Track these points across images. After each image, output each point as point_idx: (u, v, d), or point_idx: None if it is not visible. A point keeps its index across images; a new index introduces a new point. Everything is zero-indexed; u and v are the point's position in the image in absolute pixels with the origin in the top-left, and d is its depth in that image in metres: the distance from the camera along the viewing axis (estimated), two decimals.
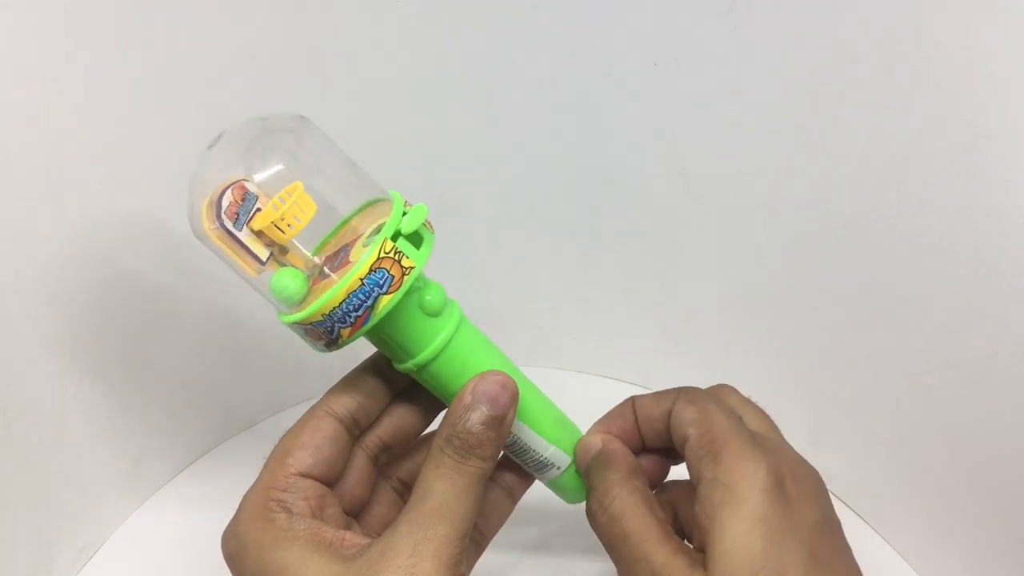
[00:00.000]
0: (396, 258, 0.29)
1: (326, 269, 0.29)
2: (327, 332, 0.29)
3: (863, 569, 0.31)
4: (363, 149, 0.47)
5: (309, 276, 0.29)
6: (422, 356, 0.31)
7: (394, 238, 0.29)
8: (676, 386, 0.34)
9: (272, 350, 0.51)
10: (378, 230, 0.29)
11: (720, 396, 0.34)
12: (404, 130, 0.47)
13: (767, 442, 0.32)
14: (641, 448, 0.35)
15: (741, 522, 0.28)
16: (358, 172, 0.32)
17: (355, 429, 0.32)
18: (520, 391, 0.31)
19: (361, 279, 0.28)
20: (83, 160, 0.39)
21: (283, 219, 0.28)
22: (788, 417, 0.50)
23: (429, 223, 0.31)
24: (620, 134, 0.47)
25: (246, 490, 0.31)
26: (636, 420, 0.34)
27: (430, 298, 0.31)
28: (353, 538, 0.29)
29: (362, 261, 0.28)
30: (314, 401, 0.32)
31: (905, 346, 0.43)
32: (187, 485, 0.49)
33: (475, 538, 0.34)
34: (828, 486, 0.33)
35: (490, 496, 0.35)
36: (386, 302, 0.28)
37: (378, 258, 0.28)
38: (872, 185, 0.42)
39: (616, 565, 0.31)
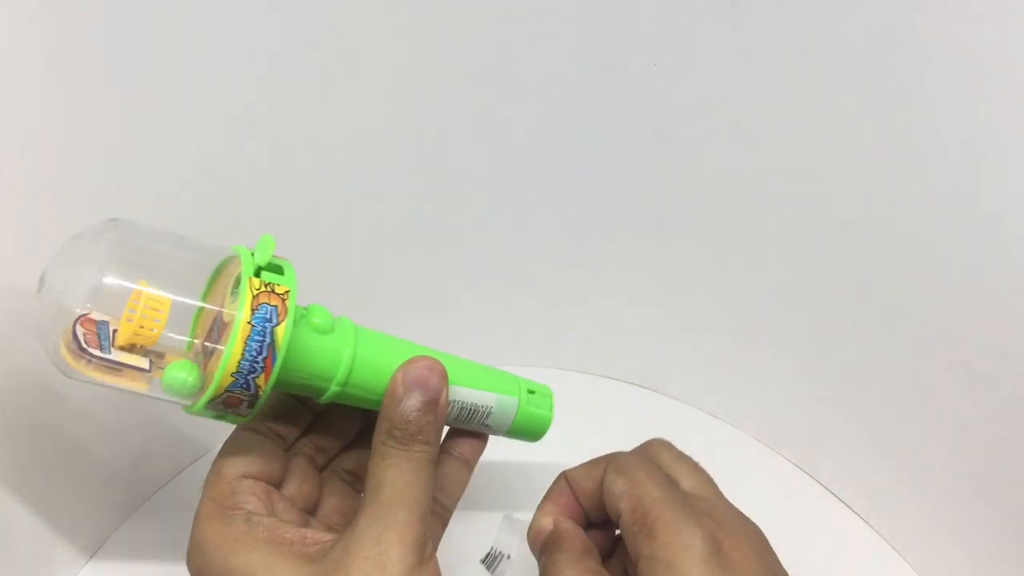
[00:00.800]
0: (269, 289, 0.28)
1: (207, 344, 0.29)
2: (244, 389, 0.28)
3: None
4: (363, 149, 0.47)
5: (197, 363, 0.29)
6: (339, 373, 0.31)
7: (257, 274, 0.29)
8: (606, 453, 0.34)
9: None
10: (236, 284, 0.29)
11: (650, 456, 0.34)
12: (404, 130, 0.47)
13: (701, 503, 0.31)
14: (586, 523, 0.35)
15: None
16: (193, 245, 0.31)
17: (280, 440, 0.33)
18: (446, 364, 0.31)
19: (249, 322, 0.28)
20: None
21: (142, 325, 0.28)
22: (789, 417, 0.51)
23: (282, 257, 0.31)
24: (620, 134, 0.47)
25: None
26: (574, 495, 0.34)
27: (318, 320, 0.31)
28: (314, 535, 0.29)
29: (240, 306, 0.28)
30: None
31: (905, 346, 0.43)
32: (187, 485, 0.49)
33: (438, 512, 0.34)
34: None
35: (447, 469, 0.35)
36: (283, 332, 0.28)
37: (253, 296, 0.28)
38: (872, 185, 0.42)
39: None
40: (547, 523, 0.34)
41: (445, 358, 0.33)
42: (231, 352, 0.27)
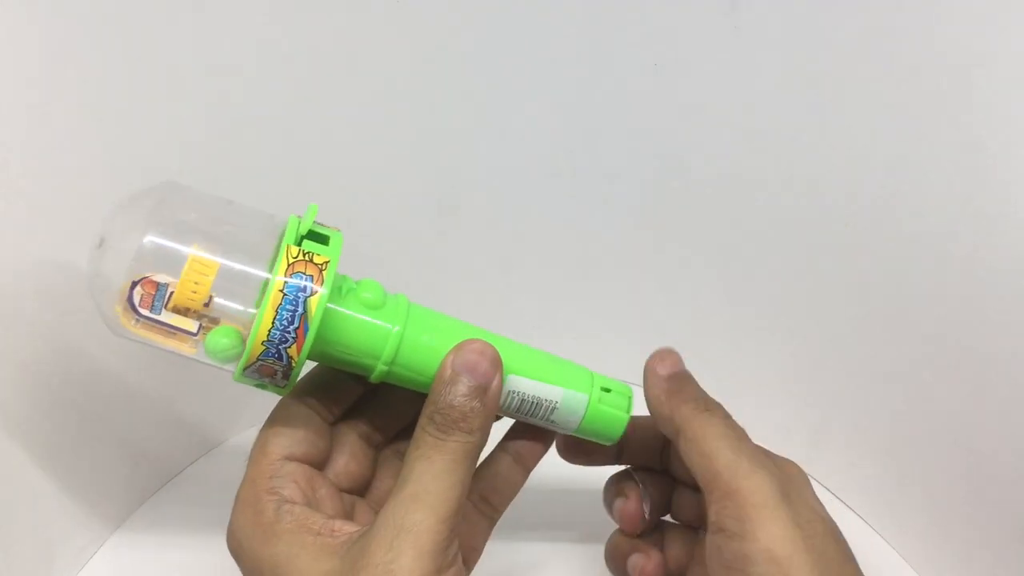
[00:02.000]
0: (307, 259, 0.28)
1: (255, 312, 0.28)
2: (275, 359, 0.28)
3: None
4: (363, 149, 0.47)
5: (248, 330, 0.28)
6: (386, 351, 0.29)
7: (298, 243, 0.28)
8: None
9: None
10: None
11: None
12: (404, 130, 0.47)
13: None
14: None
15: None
16: (247, 212, 0.31)
17: (327, 414, 0.32)
18: (504, 351, 0.30)
19: (281, 290, 0.27)
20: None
21: (185, 287, 0.27)
22: (789, 417, 0.51)
23: (334, 226, 0.30)
24: (620, 134, 0.47)
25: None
26: None
27: (368, 295, 0.30)
28: (344, 526, 0.28)
29: (274, 273, 0.27)
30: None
31: (905, 346, 0.43)
32: (187, 485, 0.49)
33: (486, 512, 0.33)
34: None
35: (499, 468, 0.34)
36: (317, 303, 0.27)
37: (288, 264, 0.27)
38: (872, 185, 0.42)
39: (733, 456, 0.29)
40: (683, 364, 0.33)
41: (510, 345, 0.32)
42: (261, 319, 0.27)
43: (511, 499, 0.34)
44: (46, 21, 0.35)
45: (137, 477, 0.47)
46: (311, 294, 0.27)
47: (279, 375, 0.28)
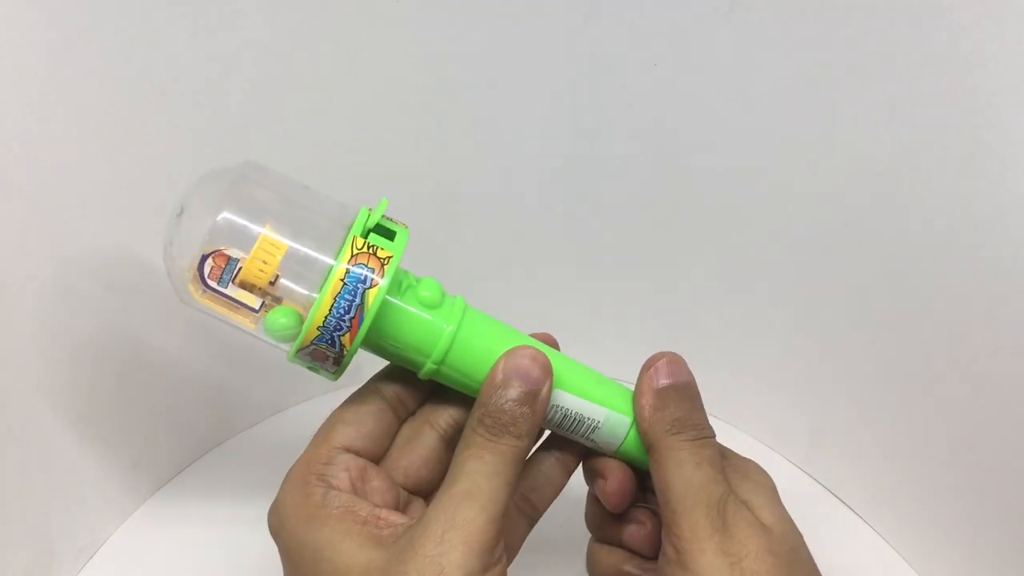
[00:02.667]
0: (371, 252, 0.29)
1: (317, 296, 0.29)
2: (329, 346, 0.28)
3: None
4: (363, 149, 0.47)
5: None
6: (437, 350, 0.30)
7: (364, 235, 0.29)
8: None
9: (272, 349, 0.51)
10: None
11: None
12: (404, 130, 0.47)
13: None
14: None
15: (773, 488, 0.31)
16: (322, 199, 0.32)
17: (401, 410, 0.32)
18: (555, 363, 0.30)
19: (341, 279, 0.28)
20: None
21: (253, 264, 0.28)
22: (788, 417, 0.51)
23: (401, 222, 0.31)
24: (620, 134, 0.47)
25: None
26: None
27: (426, 293, 0.30)
28: (391, 516, 0.28)
29: (337, 261, 0.28)
30: (314, 401, 0.32)
31: (905, 346, 0.43)
32: (187, 485, 0.49)
33: (526, 511, 0.33)
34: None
35: (542, 468, 0.34)
36: (374, 296, 0.28)
37: (352, 255, 0.28)
38: (872, 185, 0.42)
39: (677, 482, 0.30)
40: (683, 372, 0.33)
41: (560, 359, 0.32)
42: (319, 305, 0.28)
43: (552, 499, 0.34)
44: (46, 21, 0.35)
45: (137, 477, 0.47)
46: (371, 286, 0.28)
47: (330, 361, 0.29)
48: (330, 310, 0.28)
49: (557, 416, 0.32)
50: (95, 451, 0.44)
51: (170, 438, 0.49)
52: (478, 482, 0.27)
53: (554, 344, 0.34)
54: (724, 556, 0.27)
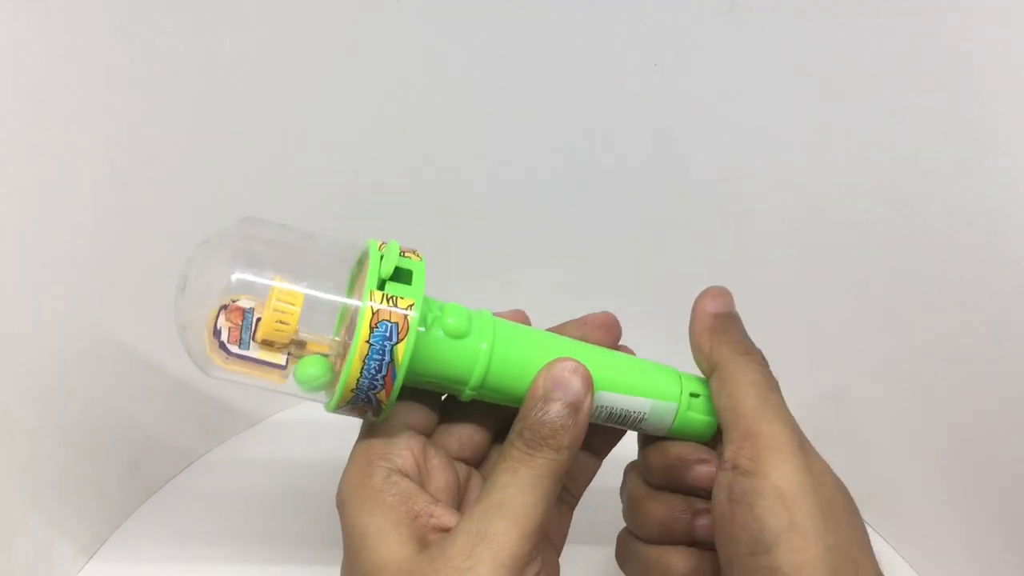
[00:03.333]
0: (391, 304, 0.28)
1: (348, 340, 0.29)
2: (366, 403, 0.28)
3: None
4: (362, 148, 0.47)
5: (336, 356, 0.29)
6: (474, 378, 0.29)
7: (380, 286, 0.28)
8: None
9: None
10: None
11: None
12: (404, 130, 0.47)
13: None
14: None
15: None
16: (325, 241, 0.31)
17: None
18: (593, 364, 0.30)
19: (367, 341, 0.27)
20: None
21: (278, 320, 0.27)
22: None
23: (414, 252, 0.30)
24: (620, 134, 0.47)
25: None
26: None
27: (452, 321, 0.29)
28: (442, 516, 0.28)
29: (358, 325, 0.27)
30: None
31: (905, 346, 0.43)
32: (187, 485, 0.49)
33: (564, 498, 0.33)
34: None
35: (577, 456, 0.32)
36: (403, 350, 0.27)
37: (373, 313, 0.27)
38: (872, 185, 0.42)
39: (755, 402, 0.29)
40: (734, 305, 0.33)
41: (596, 357, 0.32)
42: (349, 371, 0.27)
43: (587, 485, 0.34)
44: (45, 22, 0.35)
45: (137, 478, 0.47)
46: (398, 341, 0.27)
47: (370, 414, 0.29)
48: (360, 372, 0.27)
49: (602, 414, 0.32)
50: (95, 451, 0.44)
51: (171, 438, 0.49)
52: (511, 495, 0.27)
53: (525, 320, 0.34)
54: (808, 475, 0.27)
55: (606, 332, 0.34)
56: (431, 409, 0.31)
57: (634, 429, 0.33)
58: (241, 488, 0.48)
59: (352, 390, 0.27)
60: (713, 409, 0.32)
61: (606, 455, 0.35)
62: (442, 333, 0.29)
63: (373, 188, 0.49)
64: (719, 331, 0.32)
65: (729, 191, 0.47)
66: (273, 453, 0.52)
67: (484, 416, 0.32)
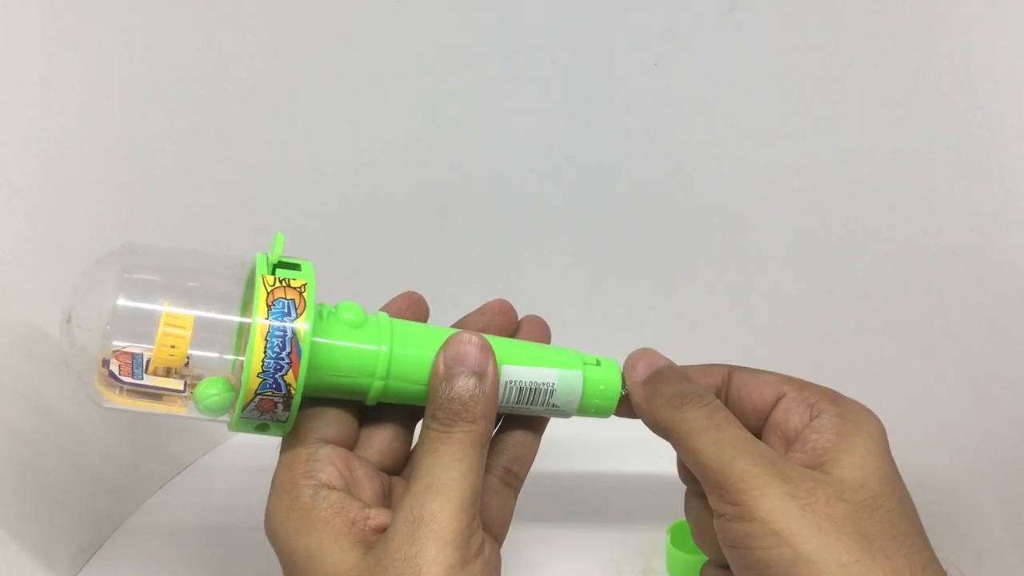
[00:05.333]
0: (284, 284, 0.28)
1: (242, 357, 0.28)
2: (274, 390, 0.27)
3: None
4: (362, 149, 0.47)
5: (235, 376, 0.28)
6: (379, 366, 0.29)
7: (271, 272, 0.28)
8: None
9: None
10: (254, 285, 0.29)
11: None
12: (403, 130, 0.47)
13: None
14: None
15: (873, 448, 0.28)
16: (211, 259, 0.30)
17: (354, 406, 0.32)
18: (493, 343, 0.30)
19: (266, 319, 0.27)
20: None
21: (163, 347, 0.27)
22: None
23: (300, 258, 0.30)
24: (620, 134, 0.47)
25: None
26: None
27: (349, 316, 0.30)
28: (378, 516, 0.28)
29: (256, 304, 0.27)
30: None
31: (905, 346, 0.43)
32: (187, 485, 0.49)
33: (510, 482, 0.33)
34: None
35: (515, 437, 0.33)
36: (303, 323, 0.27)
37: (268, 292, 0.27)
38: (872, 185, 0.42)
39: (709, 447, 0.28)
40: (660, 355, 0.32)
41: (497, 340, 0.32)
42: (252, 351, 0.26)
43: (530, 465, 0.34)
44: (43, 21, 0.35)
45: (137, 477, 0.47)
46: (297, 316, 0.27)
47: (280, 407, 0.28)
48: (264, 352, 0.26)
49: (513, 392, 0.32)
50: (95, 451, 0.44)
51: (170, 438, 0.49)
52: (437, 475, 0.27)
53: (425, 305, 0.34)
54: (792, 499, 0.26)
55: (504, 317, 0.34)
56: (348, 421, 0.31)
57: (550, 409, 0.33)
58: (242, 489, 0.48)
59: (259, 374, 0.27)
60: (616, 376, 0.33)
61: (543, 429, 0.34)
62: (342, 326, 0.29)
63: (373, 188, 0.49)
64: (652, 396, 0.31)
65: (729, 191, 0.47)
66: (275, 454, 0.52)
67: (400, 423, 0.32)
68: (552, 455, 0.36)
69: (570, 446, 0.45)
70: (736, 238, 0.48)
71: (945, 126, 0.38)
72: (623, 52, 0.44)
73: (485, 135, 0.48)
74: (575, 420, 0.36)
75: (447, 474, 0.27)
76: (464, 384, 0.28)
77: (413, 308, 0.33)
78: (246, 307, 0.29)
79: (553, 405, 0.33)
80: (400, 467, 0.32)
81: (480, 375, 0.29)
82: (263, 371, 0.27)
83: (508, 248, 0.53)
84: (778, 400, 0.31)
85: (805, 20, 0.40)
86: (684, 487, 0.33)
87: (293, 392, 0.27)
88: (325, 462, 0.29)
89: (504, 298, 0.34)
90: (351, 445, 0.31)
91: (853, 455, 0.28)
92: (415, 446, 0.29)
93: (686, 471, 0.31)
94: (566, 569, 0.43)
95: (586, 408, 0.34)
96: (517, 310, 0.35)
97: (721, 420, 0.29)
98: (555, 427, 0.36)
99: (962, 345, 0.40)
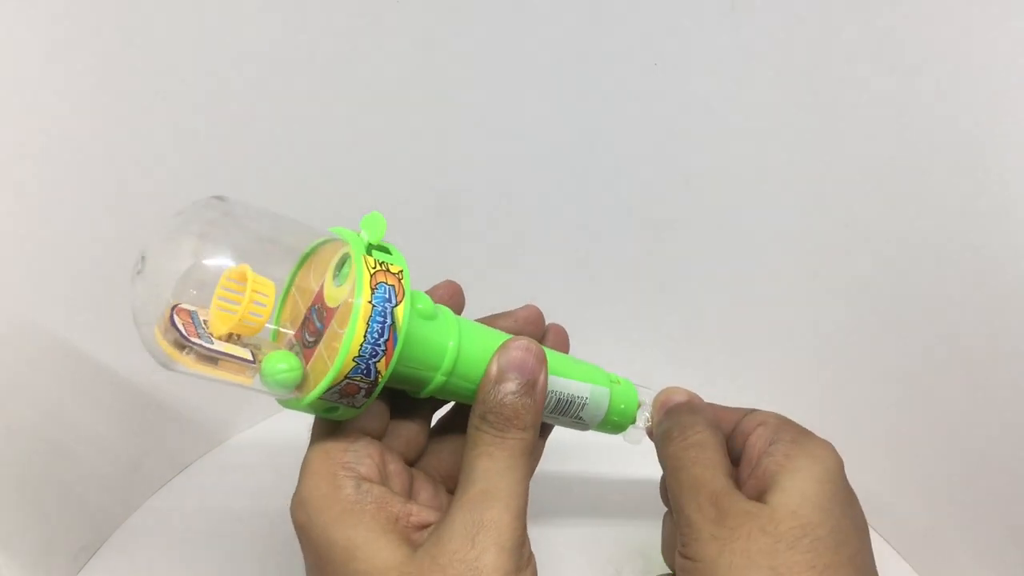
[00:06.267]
0: (384, 268, 0.27)
1: (307, 336, 0.27)
2: (364, 376, 0.26)
3: None
4: (363, 149, 0.47)
5: (296, 349, 0.27)
6: (446, 361, 0.29)
7: (368, 253, 0.27)
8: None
9: None
10: (340, 265, 0.27)
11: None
12: (403, 130, 0.47)
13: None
14: None
15: (815, 472, 0.29)
16: (294, 227, 0.29)
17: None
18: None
19: (370, 302, 0.26)
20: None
21: (252, 312, 0.25)
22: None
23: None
24: (620, 134, 0.47)
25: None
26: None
27: (422, 306, 0.29)
28: (419, 513, 0.28)
29: (359, 285, 0.26)
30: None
31: (905, 346, 0.43)
32: (187, 485, 0.49)
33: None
34: None
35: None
36: (402, 313, 0.26)
37: (371, 274, 0.26)
38: (872, 185, 0.42)
39: (673, 485, 0.31)
40: (681, 394, 0.34)
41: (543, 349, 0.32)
42: (353, 334, 0.25)
43: (534, 469, 0.34)
44: (44, 21, 0.35)
45: (137, 477, 0.47)
46: (397, 303, 0.26)
47: (362, 393, 0.27)
48: (364, 336, 0.25)
49: (551, 401, 0.32)
50: (95, 451, 0.44)
51: (171, 438, 0.49)
52: (494, 480, 0.27)
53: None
54: (715, 541, 0.28)
55: (534, 327, 0.35)
56: (385, 413, 0.31)
57: (573, 423, 0.34)
58: (242, 487, 0.48)
59: (355, 358, 0.26)
60: (633, 396, 0.35)
61: (548, 434, 0.36)
62: (417, 316, 0.28)
63: (373, 188, 0.49)
64: (657, 432, 0.33)
65: (729, 191, 0.47)
66: (275, 451, 0.52)
67: (424, 416, 0.32)
68: (552, 455, 0.37)
69: (570, 446, 0.45)
70: (736, 238, 0.48)
71: (945, 126, 0.38)
72: (623, 52, 0.44)
73: (485, 134, 0.48)
74: None
75: (503, 481, 0.27)
76: (516, 391, 0.29)
77: (455, 297, 0.33)
78: (295, 277, 0.28)
79: (579, 418, 0.33)
80: (417, 458, 0.32)
81: (532, 384, 0.29)
82: (359, 355, 0.26)
83: (508, 247, 0.53)
84: (756, 428, 0.32)
85: (805, 20, 0.40)
86: None
87: (380, 379, 0.27)
88: (363, 454, 0.29)
89: (535, 304, 0.35)
90: (381, 437, 0.31)
91: (794, 478, 0.29)
92: (466, 446, 0.29)
93: (665, 495, 0.33)
94: (566, 569, 0.43)
95: (604, 423, 0.34)
96: (516, 309, 0.35)
97: (688, 460, 0.31)
98: (555, 428, 0.37)
99: (962, 345, 0.40)
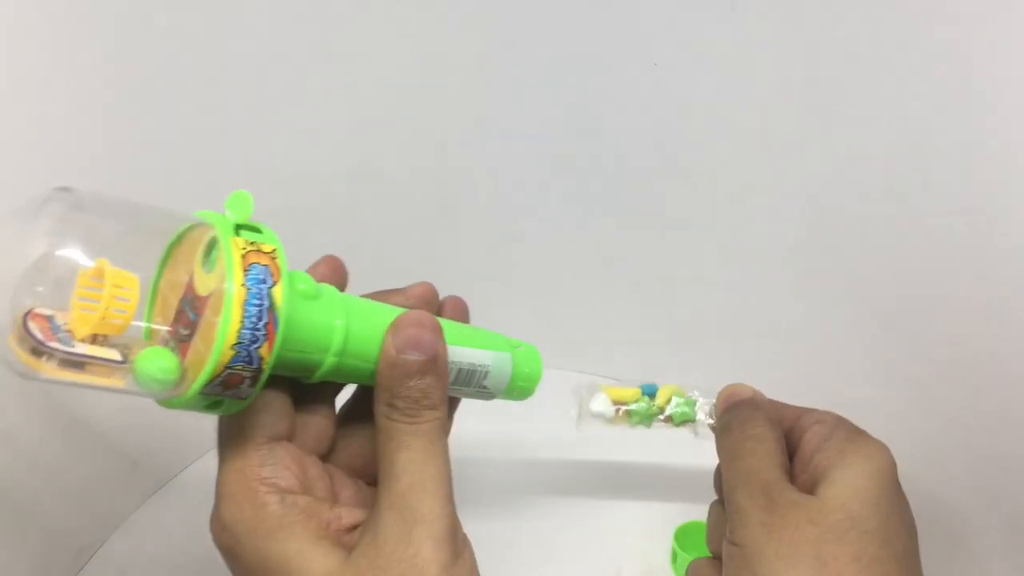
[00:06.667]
0: (256, 248, 0.25)
1: (181, 328, 0.25)
2: (246, 363, 0.24)
3: None
4: (362, 148, 0.47)
5: (170, 343, 0.25)
6: (336, 340, 0.27)
7: (237, 234, 0.25)
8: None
9: None
10: (208, 251, 0.25)
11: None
12: (403, 129, 0.47)
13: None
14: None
15: (866, 468, 0.29)
16: (155, 213, 0.26)
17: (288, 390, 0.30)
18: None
19: (243, 285, 0.24)
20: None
21: (112, 310, 0.23)
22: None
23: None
24: (620, 133, 0.47)
25: None
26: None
27: (303, 286, 0.27)
28: (348, 514, 0.27)
29: (229, 269, 0.24)
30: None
31: (905, 346, 0.43)
32: (187, 485, 0.49)
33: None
34: None
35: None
36: (281, 292, 0.25)
37: (242, 255, 0.24)
38: (872, 185, 0.42)
39: (728, 473, 0.31)
40: (746, 390, 0.34)
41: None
42: (229, 320, 0.23)
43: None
44: (41, 21, 0.35)
45: (136, 478, 0.47)
46: (273, 284, 0.25)
47: (246, 383, 0.25)
48: (242, 321, 0.24)
49: (451, 373, 0.30)
50: (95, 451, 0.44)
51: (170, 439, 0.49)
52: (417, 470, 0.27)
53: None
54: (763, 528, 0.28)
55: (429, 306, 0.32)
56: (290, 410, 0.29)
57: (477, 392, 0.32)
58: None
59: (233, 346, 0.24)
60: (537, 360, 0.34)
61: (456, 410, 0.33)
62: (297, 297, 0.27)
63: (372, 188, 0.49)
64: (718, 423, 0.34)
65: (729, 190, 0.47)
66: None
67: (327, 403, 0.31)
68: (552, 455, 0.37)
69: (570, 446, 0.45)
70: (736, 237, 0.48)
71: (945, 125, 0.38)
72: (623, 52, 0.44)
73: (485, 133, 0.48)
74: (578, 422, 0.36)
75: (427, 468, 0.27)
76: (419, 371, 0.27)
77: (337, 273, 0.31)
78: (164, 270, 0.26)
79: (483, 387, 0.32)
80: (330, 450, 0.31)
81: (433, 360, 0.28)
82: (238, 342, 0.24)
83: (508, 246, 0.53)
84: (813, 425, 0.33)
85: (805, 19, 0.40)
86: (683, 489, 0.34)
87: (264, 366, 0.25)
88: (281, 466, 0.27)
89: (428, 281, 0.33)
90: (292, 437, 0.29)
91: (844, 472, 0.29)
92: (379, 437, 0.27)
93: (718, 483, 0.34)
94: (566, 569, 0.43)
95: (511, 390, 0.33)
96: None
97: (745, 451, 0.31)
98: (555, 428, 0.37)
99: (962, 345, 0.40)
